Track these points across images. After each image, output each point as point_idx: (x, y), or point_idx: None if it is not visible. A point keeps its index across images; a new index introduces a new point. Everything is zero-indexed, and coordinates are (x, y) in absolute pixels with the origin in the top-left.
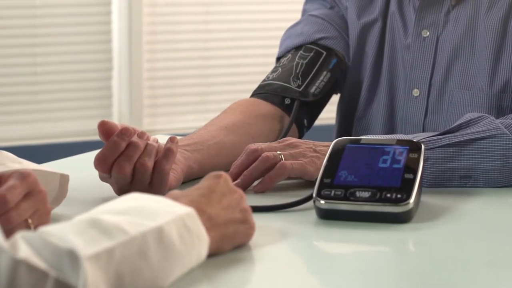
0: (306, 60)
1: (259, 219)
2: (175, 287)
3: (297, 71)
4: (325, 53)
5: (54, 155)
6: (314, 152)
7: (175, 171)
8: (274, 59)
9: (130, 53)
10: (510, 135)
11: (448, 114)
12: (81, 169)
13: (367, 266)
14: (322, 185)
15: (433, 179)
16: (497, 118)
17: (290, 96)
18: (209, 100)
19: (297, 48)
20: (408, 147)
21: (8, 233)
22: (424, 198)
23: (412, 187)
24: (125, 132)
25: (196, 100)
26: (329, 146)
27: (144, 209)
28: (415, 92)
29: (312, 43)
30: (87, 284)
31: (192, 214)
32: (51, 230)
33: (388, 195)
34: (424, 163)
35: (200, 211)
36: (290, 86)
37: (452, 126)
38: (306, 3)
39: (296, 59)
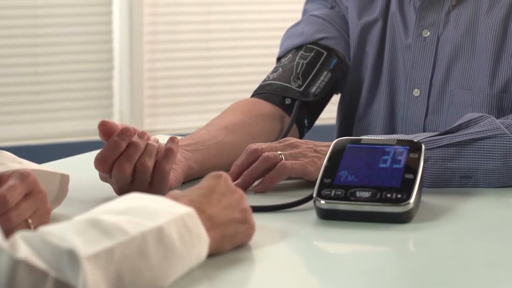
0: (307, 60)
1: (259, 219)
2: (175, 287)
3: (298, 71)
4: (325, 53)
5: (55, 155)
6: (315, 152)
7: (175, 171)
8: (274, 59)
9: (131, 53)
10: (511, 135)
11: (449, 114)
12: (81, 169)
13: (367, 266)
14: (322, 185)
15: (434, 179)
16: (497, 118)
17: (290, 96)
18: (210, 100)
19: (298, 48)
20: (408, 147)
21: (8, 233)
22: (425, 198)
23: (412, 187)
24: (126, 132)
25: (197, 100)
26: (329, 146)
27: (144, 209)
28: (416, 92)
29: (313, 43)
30: (86, 284)
31: (192, 214)
32: (51, 230)
33: (389, 195)
34: (424, 163)
35: (200, 211)
36: (291, 86)
37: (453, 126)
38: (306, 3)
39: (297, 59)
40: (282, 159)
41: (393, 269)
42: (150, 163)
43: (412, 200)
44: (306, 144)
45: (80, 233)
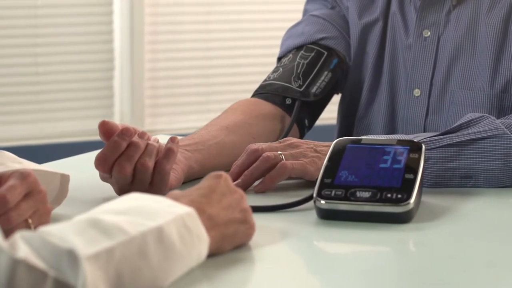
0: (307, 60)
1: (259, 219)
2: (175, 287)
3: (298, 71)
4: (326, 53)
5: (55, 155)
6: (315, 152)
7: (175, 171)
8: (275, 59)
9: (132, 53)
10: (511, 135)
11: (449, 114)
12: (81, 169)
13: (367, 266)
14: (322, 185)
15: (434, 179)
16: (498, 118)
17: (291, 96)
18: (210, 100)
19: (298, 48)
20: (408, 147)
21: (8, 233)
22: (425, 198)
23: (412, 187)
24: (126, 132)
25: (198, 100)
26: (329, 146)
27: (144, 209)
28: (416, 92)
29: (313, 43)
30: (86, 284)
31: (192, 214)
32: (51, 230)
33: (389, 195)
34: (424, 163)
35: (200, 211)
36: (291, 86)
37: (453, 126)
38: (307, 3)
39: (297, 59)
40: (283, 159)
41: (393, 269)
42: (150, 163)
43: (412, 200)
44: (306, 144)
45: (80, 233)
